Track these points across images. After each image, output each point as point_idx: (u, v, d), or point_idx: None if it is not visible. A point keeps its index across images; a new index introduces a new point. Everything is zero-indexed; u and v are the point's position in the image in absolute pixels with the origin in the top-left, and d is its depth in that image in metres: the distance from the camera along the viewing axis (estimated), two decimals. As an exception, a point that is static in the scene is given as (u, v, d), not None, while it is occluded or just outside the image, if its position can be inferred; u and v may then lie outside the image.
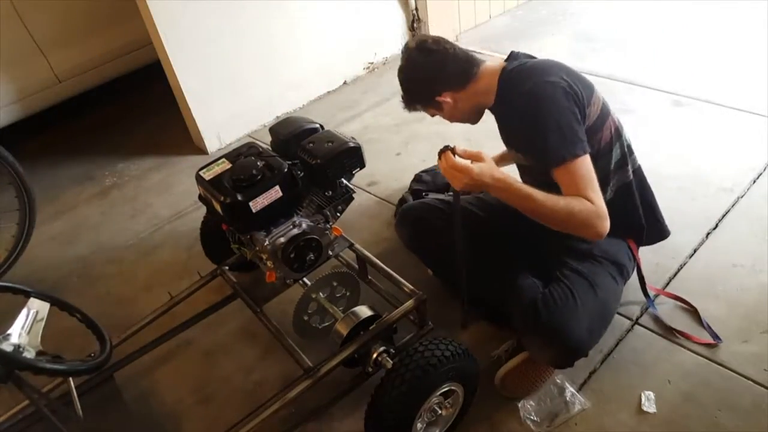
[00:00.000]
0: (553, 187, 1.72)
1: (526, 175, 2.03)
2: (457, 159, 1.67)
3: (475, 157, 1.68)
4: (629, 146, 1.96)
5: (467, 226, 2.12)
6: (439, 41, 1.90)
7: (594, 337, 1.86)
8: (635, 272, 2.10)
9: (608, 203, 1.72)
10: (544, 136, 1.70)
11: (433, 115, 2.04)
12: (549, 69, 1.80)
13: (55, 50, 3.57)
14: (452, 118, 2.02)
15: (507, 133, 2.03)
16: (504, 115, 1.97)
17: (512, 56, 1.94)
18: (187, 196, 3.20)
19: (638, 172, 2.01)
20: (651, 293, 2.16)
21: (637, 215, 2.00)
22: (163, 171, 3.52)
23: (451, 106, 1.93)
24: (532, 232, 1.87)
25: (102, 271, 2.84)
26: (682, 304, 2.17)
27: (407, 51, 1.94)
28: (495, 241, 2.09)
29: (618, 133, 1.90)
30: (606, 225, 1.69)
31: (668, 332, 2.09)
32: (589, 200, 1.67)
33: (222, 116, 3.57)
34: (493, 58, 1.95)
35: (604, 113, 1.85)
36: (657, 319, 2.13)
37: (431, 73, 1.89)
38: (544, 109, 1.71)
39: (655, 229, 2.08)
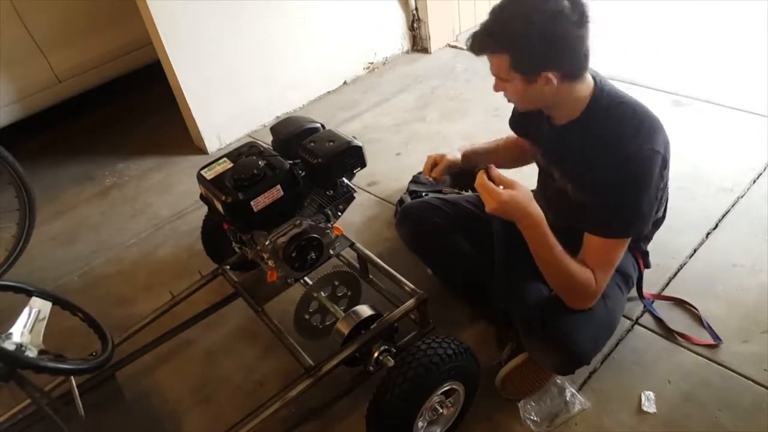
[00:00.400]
0: (559, 207, 1.75)
1: (546, 188, 1.94)
2: (488, 182, 1.61)
3: (507, 185, 1.61)
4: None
5: (470, 227, 2.12)
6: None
7: (599, 346, 1.84)
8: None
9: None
10: (620, 207, 1.64)
11: (499, 85, 1.66)
12: (651, 129, 1.65)
13: (55, 50, 3.57)
14: (524, 101, 1.68)
15: (565, 157, 1.80)
16: (577, 141, 1.71)
17: (596, 80, 1.70)
18: (187, 196, 3.21)
19: None
20: (647, 300, 2.16)
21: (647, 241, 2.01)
22: (163, 171, 3.52)
23: (551, 89, 1.59)
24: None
25: (102, 271, 2.85)
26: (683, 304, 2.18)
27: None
28: (498, 243, 2.05)
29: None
30: (591, 305, 1.74)
31: (669, 333, 2.09)
32: (596, 278, 1.68)
33: (222, 116, 3.57)
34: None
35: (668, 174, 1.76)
36: (657, 320, 2.14)
37: (570, 41, 1.55)
38: (635, 185, 1.62)
39: None
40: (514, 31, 1.53)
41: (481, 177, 1.62)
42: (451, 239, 2.10)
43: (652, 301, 2.18)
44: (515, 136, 2.08)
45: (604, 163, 1.62)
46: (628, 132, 1.63)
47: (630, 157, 1.60)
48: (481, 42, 1.59)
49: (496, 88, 1.68)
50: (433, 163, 2.05)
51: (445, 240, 2.11)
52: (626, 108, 1.67)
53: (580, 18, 1.53)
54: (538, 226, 1.63)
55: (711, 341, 2.04)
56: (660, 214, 1.91)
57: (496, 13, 1.58)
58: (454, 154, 2.06)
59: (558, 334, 1.73)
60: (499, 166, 1.72)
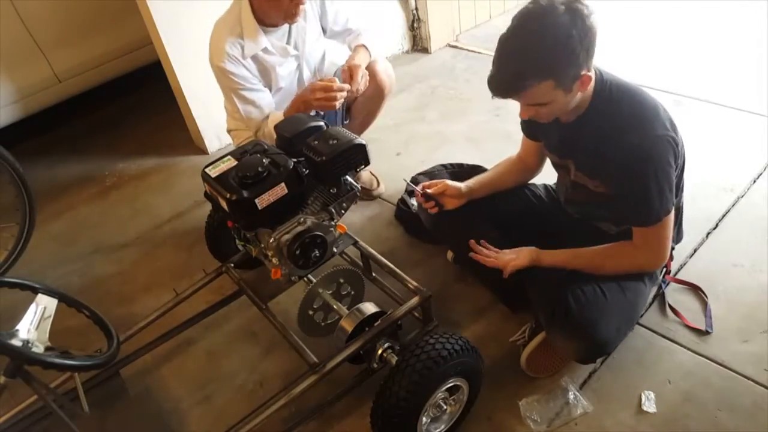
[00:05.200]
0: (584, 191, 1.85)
1: (563, 183, 2.02)
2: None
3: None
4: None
5: (492, 210, 2.16)
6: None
7: (620, 336, 1.89)
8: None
9: None
10: (647, 197, 1.70)
11: (531, 111, 1.69)
12: (654, 117, 1.69)
13: (55, 50, 3.56)
14: (557, 113, 1.72)
15: (577, 152, 1.86)
16: (586, 135, 1.78)
17: (596, 70, 1.71)
18: (188, 196, 3.20)
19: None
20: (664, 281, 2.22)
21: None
22: (163, 171, 3.52)
23: (585, 88, 1.66)
24: (557, 224, 1.90)
25: (102, 271, 2.84)
26: (693, 293, 2.22)
27: (552, 9, 1.53)
28: (520, 232, 2.09)
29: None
30: (658, 261, 1.85)
31: (664, 309, 2.15)
32: (644, 254, 1.82)
33: (222, 116, 3.54)
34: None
35: (683, 147, 1.80)
36: (657, 317, 2.15)
37: (589, 41, 1.56)
38: (651, 171, 1.67)
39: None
40: (549, 57, 1.55)
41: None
42: (474, 222, 2.14)
43: (668, 283, 2.23)
44: (510, 157, 2.21)
45: (615, 156, 1.69)
46: (631, 122, 1.68)
47: (636, 146, 1.66)
48: (516, 85, 1.59)
49: (528, 114, 1.72)
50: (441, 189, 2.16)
51: (467, 222, 2.15)
52: (626, 96, 1.72)
53: (581, 18, 1.54)
54: (542, 258, 1.91)
55: (701, 327, 2.07)
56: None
57: (513, 51, 1.59)
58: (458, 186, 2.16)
59: (582, 322, 1.78)
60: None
